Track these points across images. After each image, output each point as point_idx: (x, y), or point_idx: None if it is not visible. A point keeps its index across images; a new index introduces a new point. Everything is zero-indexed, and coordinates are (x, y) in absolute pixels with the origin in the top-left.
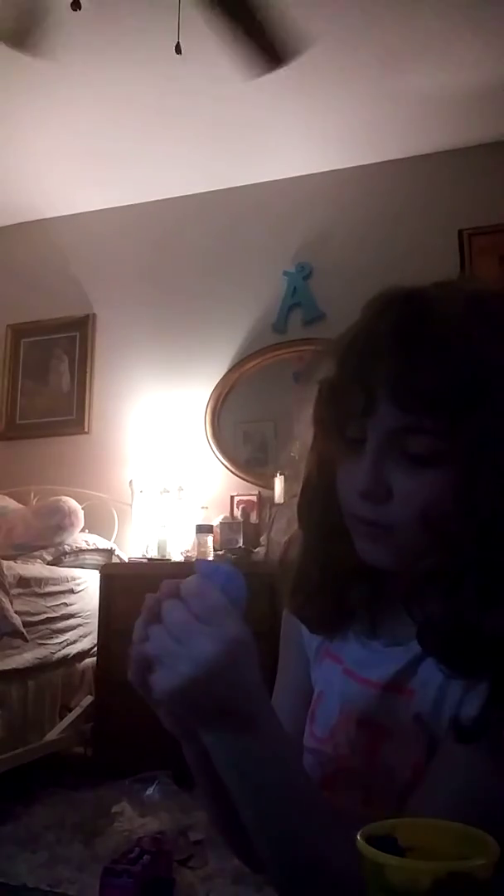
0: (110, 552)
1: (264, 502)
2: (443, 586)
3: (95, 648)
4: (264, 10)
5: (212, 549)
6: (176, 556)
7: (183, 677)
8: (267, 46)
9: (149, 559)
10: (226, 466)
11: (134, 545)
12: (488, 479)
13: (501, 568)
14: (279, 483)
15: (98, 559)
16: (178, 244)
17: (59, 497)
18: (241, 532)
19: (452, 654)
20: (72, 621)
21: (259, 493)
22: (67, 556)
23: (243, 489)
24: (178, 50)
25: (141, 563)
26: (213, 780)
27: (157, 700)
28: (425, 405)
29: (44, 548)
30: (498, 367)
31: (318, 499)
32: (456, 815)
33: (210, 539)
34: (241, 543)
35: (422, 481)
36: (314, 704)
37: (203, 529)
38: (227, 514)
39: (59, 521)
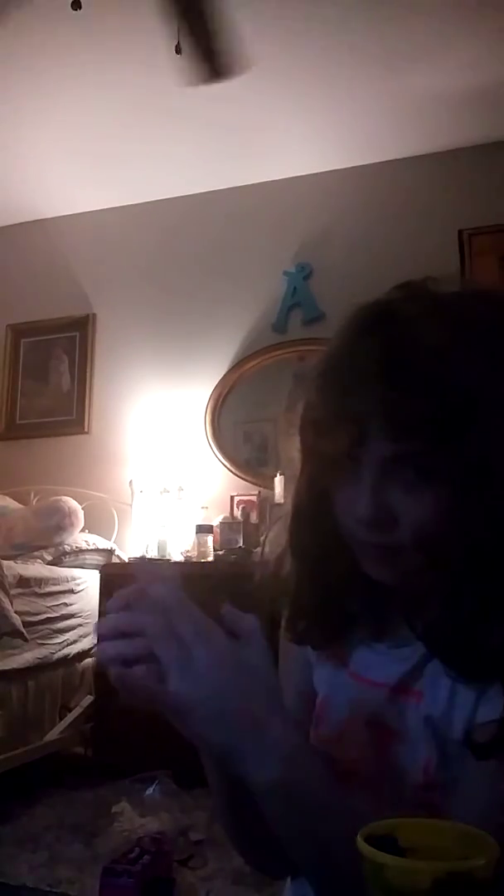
0: (110, 552)
1: (264, 502)
2: (441, 602)
3: (95, 648)
4: (217, 18)
5: (212, 549)
6: (176, 556)
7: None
8: (214, 57)
9: (149, 559)
10: (226, 466)
11: (134, 545)
12: (482, 497)
13: (498, 583)
14: (279, 483)
15: (98, 559)
16: (178, 244)
17: (59, 497)
18: (241, 532)
19: (456, 659)
20: (72, 621)
21: (259, 493)
22: (67, 556)
23: (243, 489)
24: (177, 50)
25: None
26: (230, 786)
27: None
28: (415, 433)
29: (44, 548)
30: (479, 385)
31: (309, 522)
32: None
33: (210, 539)
34: (241, 543)
35: (423, 501)
36: (319, 708)
37: (203, 529)
38: (227, 514)
39: (59, 521)
